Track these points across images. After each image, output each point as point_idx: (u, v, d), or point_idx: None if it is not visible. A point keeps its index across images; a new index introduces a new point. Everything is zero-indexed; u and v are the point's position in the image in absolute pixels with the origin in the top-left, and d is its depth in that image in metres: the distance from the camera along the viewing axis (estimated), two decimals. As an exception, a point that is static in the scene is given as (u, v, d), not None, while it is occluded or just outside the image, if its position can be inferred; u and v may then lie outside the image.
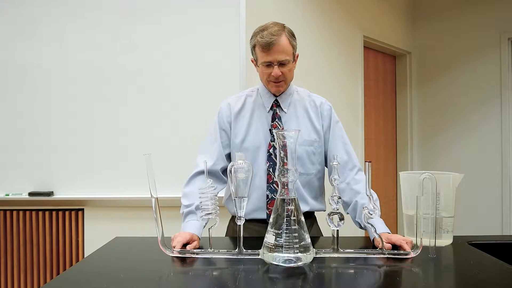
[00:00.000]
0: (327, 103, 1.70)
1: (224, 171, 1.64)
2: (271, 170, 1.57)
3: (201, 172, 1.59)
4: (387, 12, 3.84)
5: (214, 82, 2.47)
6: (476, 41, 3.73)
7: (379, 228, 1.33)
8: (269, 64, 1.54)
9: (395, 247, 1.25)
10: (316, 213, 1.73)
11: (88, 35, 2.47)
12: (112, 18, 2.47)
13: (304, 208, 1.59)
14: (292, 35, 1.58)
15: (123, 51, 2.47)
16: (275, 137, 1.16)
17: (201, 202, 1.24)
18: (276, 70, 1.53)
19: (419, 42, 4.12)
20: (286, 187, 1.16)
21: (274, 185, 1.57)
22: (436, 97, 3.99)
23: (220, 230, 1.73)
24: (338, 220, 1.16)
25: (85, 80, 2.47)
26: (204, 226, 1.42)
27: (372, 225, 1.25)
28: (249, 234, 1.57)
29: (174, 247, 1.26)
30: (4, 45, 2.47)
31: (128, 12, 2.47)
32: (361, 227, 1.47)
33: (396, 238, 1.28)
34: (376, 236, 1.24)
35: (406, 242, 1.25)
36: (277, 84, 1.59)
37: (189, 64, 2.47)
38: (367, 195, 1.18)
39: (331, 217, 1.17)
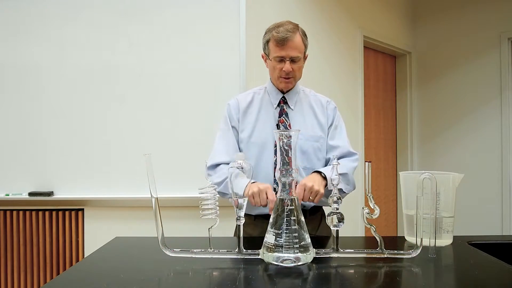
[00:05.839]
0: (332, 103, 1.78)
1: None
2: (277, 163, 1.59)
3: (218, 164, 1.66)
4: (387, 12, 3.84)
5: (214, 82, 2.48)
6: (476, 41, 3.73)
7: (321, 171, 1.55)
8: (281, 60, 1.60)
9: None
10: (324, 209, 1.75)
11: (88, 35, 2.48)
12: (112, 18, 2.47)
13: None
14: (305, 35, 1.65)
15: (123, 51, 2.47)
16: (279, 137, 1.16)
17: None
18: (287, 66, 1.59)
19: (419, 42, 4.12)
20: (286, 187, 1.16)
21: None
22: (436, 97, 3.99)
23: (226, 230, 1.74)
24: (338, 220, 1.16)
25: (85, 80, 2.47)
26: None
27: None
28: (259, 234, 1.61)
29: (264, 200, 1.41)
30: (4, 45, 2.47)
31: (128, 12, 2.47)
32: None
33: (302, 184, 1.44)
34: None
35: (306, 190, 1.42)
36: (287, 80, 1.64)
37: (189, 64, 2.48)
38: (368, 196, 1.18)
39: (331, 217, 1.17)
